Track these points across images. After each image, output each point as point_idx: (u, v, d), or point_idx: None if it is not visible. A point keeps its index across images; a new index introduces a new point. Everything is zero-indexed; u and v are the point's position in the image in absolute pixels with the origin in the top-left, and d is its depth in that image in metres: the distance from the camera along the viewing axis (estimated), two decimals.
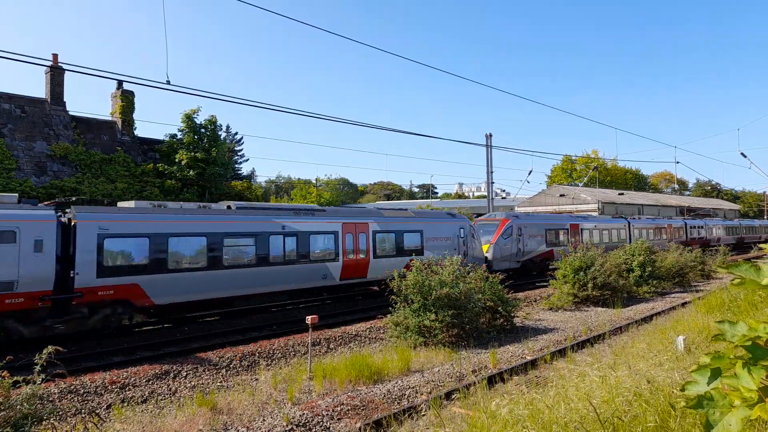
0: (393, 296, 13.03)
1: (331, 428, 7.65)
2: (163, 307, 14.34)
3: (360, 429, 7.27)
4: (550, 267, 29.31)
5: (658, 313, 16.04)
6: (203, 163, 34.06)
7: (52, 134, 29.65)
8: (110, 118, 33.78)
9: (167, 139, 35.34)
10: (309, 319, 11.12)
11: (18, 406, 5.74)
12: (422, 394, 9.00)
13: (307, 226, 17.58)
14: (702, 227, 47.27)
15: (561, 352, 11.30)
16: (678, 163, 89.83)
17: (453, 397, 8.41)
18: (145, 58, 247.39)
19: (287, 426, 7.56)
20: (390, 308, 13.25)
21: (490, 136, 34.43)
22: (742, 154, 49.62)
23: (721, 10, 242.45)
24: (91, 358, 12.15)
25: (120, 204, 15.77)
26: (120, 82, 34.00)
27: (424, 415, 7.67)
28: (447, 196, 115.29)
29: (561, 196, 59.00)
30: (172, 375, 10.48)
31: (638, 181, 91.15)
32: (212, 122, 35.83)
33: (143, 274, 13.73)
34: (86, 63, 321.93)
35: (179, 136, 35.07)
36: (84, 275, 12.77)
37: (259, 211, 17.01)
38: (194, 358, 11.47)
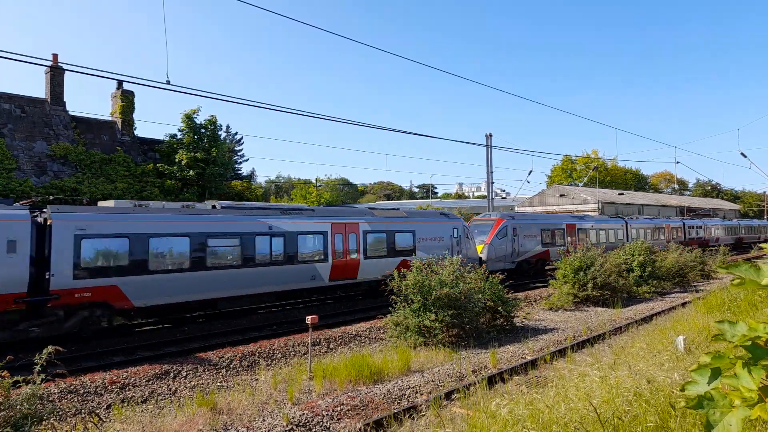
0: (393, 296, 13.03)
1: (331, 428, 7.65)
2: (143, 309, 14.03)
3: (360, 429, 7.27)
4: (546, 268, 29.35)
5: (658, 313, 16.04)
6: (203, 163, 34.06)
7: (52, 134, 29.65)
8: (110, 118, 33.78)
9: (167, 139, 35.34)
10: (309, 319, 11.12)
11: (18, 406, 5.74)
12: (422, 394, 9.00)
13: (295, 226, 17.30)
14: (700, 227, 47.24)
15: (561, 352, 11.30)
16: (678, 163, 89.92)
17: (453, 397, 8.42)
18: (145, 58, 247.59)
19: (287, 426, 7.56)
20: (390, 308, 13.25)
21: (490, 136, 34.44)
22: (742, 154, 49.60)
23: (721, 10, 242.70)
24: (91, 358, 12.15)
25: (100, 204, 15.41)
26: (120, 82, 34.00)
27: (423, 415, 7.67)
28: (447, 196, 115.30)
29: (561, 196, 59.04)
30: (172, 375, 10.48)
31: (638, 181, 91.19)
32: (212, 122, 35.83)
33: (122, 276, 13.38)
34: (86, 63, 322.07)
35: (179, 136, 35.07)
36: (60, 277, 12.41)
37: (245, 211, 16.66)
38: (194, 358, 11.47)
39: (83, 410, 8.61)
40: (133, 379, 10.00)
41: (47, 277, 12.34)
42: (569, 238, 30.20)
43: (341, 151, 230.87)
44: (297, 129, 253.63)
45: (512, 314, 14.46)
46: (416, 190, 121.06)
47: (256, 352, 11.93)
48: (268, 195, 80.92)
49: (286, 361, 11.76)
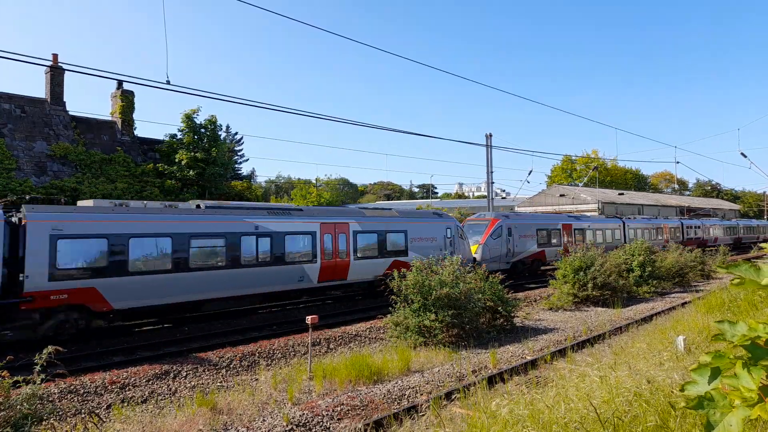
0: (393, 296, 13.03)
1: (331, 428, 7.65)
2: (123, 311, 13.71)
3: (360, 429, 7.27)
4: (542, 268, 29.25)
5: (658, 313, 16.04)
6: (203, 163, 34.07)
7: (52, 134, 29.66)
8: (110, 118, 33.79)
9: (167, 139, 35.35)
10: (309, 319, 11.12)
11: (18, 406, 5.74)
12: (422, 394, 9.00)
13: (282, 226, 16.98)
14: (699, 227, 47.18)
15: (561, 352, 11.31)
16: (678, 163, 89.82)
17: (453, 397, 8.42)
18: (145, 58, 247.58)
19: (287, 426, 7.57)
20: (390, 308, 13.25)
21: (490, 136, 34.43)
22: (742, 154, 49.52)
23: (721, 10, 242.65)
24: (91, 358, 12.14)
25: (79, 203, 15.08)
26: (120, 82, 33.99)
27: (423, 415, 7.68)
28: (447, 196, 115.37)
29: (561, 196, 59.09)
30: (172, 375, 10.49)
31: (638, 181, 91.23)
32: (212, 122, 35.83)
33: (101, 278, 13.04)
34: (86, 63, 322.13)
35: (179, 136, 35.08)
36: (34, 279, 12.02)
37: (231, 211, 16.31)
38: (194, 358, 11.47)
39: (83, 410, 8.61)
40: (133, 379, 10.01)
41: (21, 278, 11.96)
42: (566, 238, 30.03)
43: (341, 151, 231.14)
44: (297, 129, 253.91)
45: (512, 314, 14.46)
46: (416, 190, 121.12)
47: (256, 352, 11.94)
48: (268, 195, 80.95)
49: (286, 361, 11.76)
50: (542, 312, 17.54)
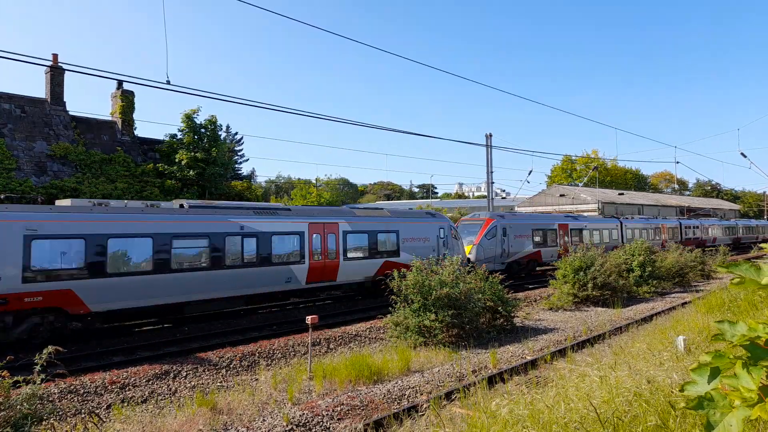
0: (393, 296, 13.03)
1: (331, 428, 7.65)
2: (102, 314, 13.42)
3: (360, 429, 7.27)
4: (538, 269, 29.14)
5: (658, 313, 16.05)
6: (203, 163, 34.07)
7: (52, 134, 29.66)
8: (110, 118, 33.79)
9: (167, 139, 35.35)
10: (309, 319, 11.12)
11: (18, 406, 5.74)
12: (422, 394, 9.00)
13: (269, 227, 16.68)
14: (697, 227, 47.10)
15: (561, 352, 11.31)
16: (678, 163, 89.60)
17: (453, 397, 8.42)
18: (145, 58, 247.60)
19: (287, 426, 7.57)
20: (390, 308, 13.26)
21: (490, 136, 34.42)
22: (742, 154, 49.49)
23: (721, 10, 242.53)
24: (91, 358, 12.15)
25: (58, 203, 14.69)
26: (120, 82, 33.98)
27: (422, 415, 7.68)
28: (447, 196, 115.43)
29: (561, 196, 59.13)
30: (172, 375, 10.49)
31: (638, 181, 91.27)
32: (212, 122, 35.83)
33: (78, 279, 12.71)
34: (86, 63, 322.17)
35: (179, 136, 35.07)
36: (7, 280, 11.68)
37: (215, 210, 15.99)
38: (194, 358, 11.47)
39: (83, 410, 8.62)
40: (133, 379, 10.01)
41: None
42: (562, 238, 29.87)
43: (341, 151, 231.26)
44: (297, 129, 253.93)
45: (512, 314, 14.47)
46: (416, 190, 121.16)
47: (256, 352, 11.94)
48: (268, 195, 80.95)
49: (286, 361, 11.76)
50: (542, 312, 17.54)
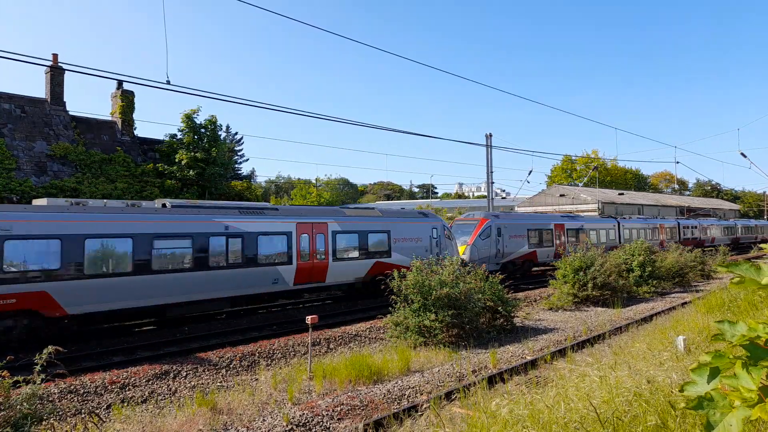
0: (393, 296, 13.04)
1: (331, 428, 7.65)
2: (79, 317, 13.06)
3: (360, 429, 7.27)
4: (534, 270, 28.99)
5: (658, 313, 16.05)
6: (203, 163, 34.09)
7: (52, 134, 29.66)
8: (110, 118, 33.80)
9: (167, 139, 35.37)
10: (309, 319, 11.12)
11: (18, 406, 5.75)
12: (422, 394, 9.00)
13: (255, 227, 16.34)
14: (696, 227, 47.02)
15: (561, 352, 11.31)
16: (678, 163, 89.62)
17: (453, 397, 8.42)
18: (145, 58, 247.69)
19: (287, 426, 7.57)
20: (390, 308, 13.26)
21: (490, 136, 34.42)
22: (742, 154, 49.36)
23: (721, 10, 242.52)
24: (91, 358, 12.15)
25: (34, 202, 14.35)
26: (120, 82, 34.00)
27: (421, 414, 7.68)
28: (447, 196, 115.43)
29: (561, 196, 59.16)
30: (172, 375, 10.49)
31: (638, 181, 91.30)
32: (212, 122, 35.85)
33: (53, 281, 12.34)
34: (86, 63, 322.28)
35: (179, 136, 35.10)
36: None
37: (199, 210, 15.63)
38: (194, 358, 11.47)
39: (83, 410, 8.62)
40: (133, 379, 10.01)
41: None
42: (558, 238, 29.69)
43: (341, 151, 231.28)
44: (297, 129, 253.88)
45: (512, 314, 14.47)
46: (416, 190, 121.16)
47: (256, 352, 11.94)
48: (268, 195, 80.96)
49: (286, 361, 11.76)
50: (542, 312, 17.54)
